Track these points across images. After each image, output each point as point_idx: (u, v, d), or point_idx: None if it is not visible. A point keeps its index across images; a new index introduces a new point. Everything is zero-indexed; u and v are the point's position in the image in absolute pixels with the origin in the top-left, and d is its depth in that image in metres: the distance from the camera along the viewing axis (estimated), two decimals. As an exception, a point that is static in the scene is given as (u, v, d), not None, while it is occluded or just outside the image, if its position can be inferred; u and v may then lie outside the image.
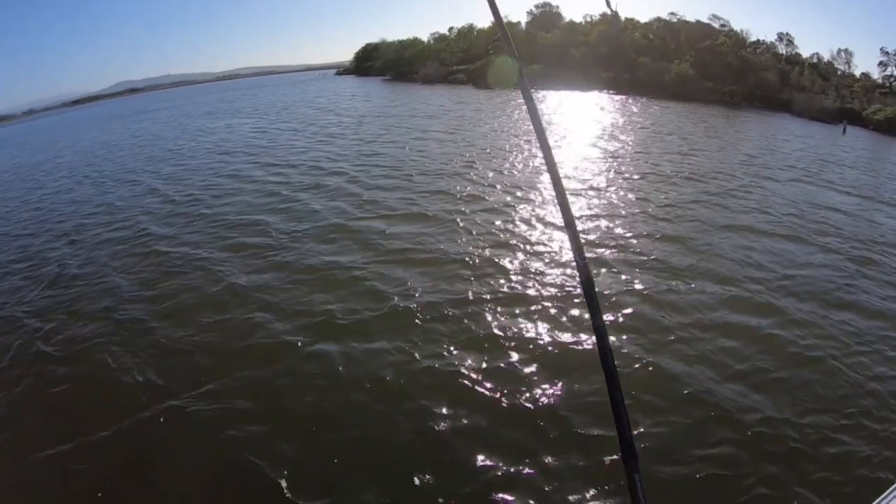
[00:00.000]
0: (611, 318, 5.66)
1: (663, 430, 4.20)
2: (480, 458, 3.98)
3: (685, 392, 4.60)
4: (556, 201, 1.61)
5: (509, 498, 3.68)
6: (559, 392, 4.65)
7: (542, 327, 5.55)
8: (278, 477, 3.87)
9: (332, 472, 3.91)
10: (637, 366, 4.92)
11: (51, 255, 9.09)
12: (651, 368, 4.90)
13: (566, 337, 5.39)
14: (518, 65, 1.61)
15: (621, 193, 10.70)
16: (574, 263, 1.54)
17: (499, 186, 11.22)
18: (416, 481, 3.76)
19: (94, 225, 10.66)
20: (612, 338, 5.26)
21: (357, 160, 14.56)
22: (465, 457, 3.98)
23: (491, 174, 12.28)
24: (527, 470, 3.90)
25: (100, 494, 3.85)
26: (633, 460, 1.25)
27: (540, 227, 8.56)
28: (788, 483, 3.77)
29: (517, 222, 8.80)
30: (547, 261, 7.14)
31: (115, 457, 4.18)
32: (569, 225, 1.40)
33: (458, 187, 11.00)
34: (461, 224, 8.66)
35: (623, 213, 9.53)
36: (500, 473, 3.87)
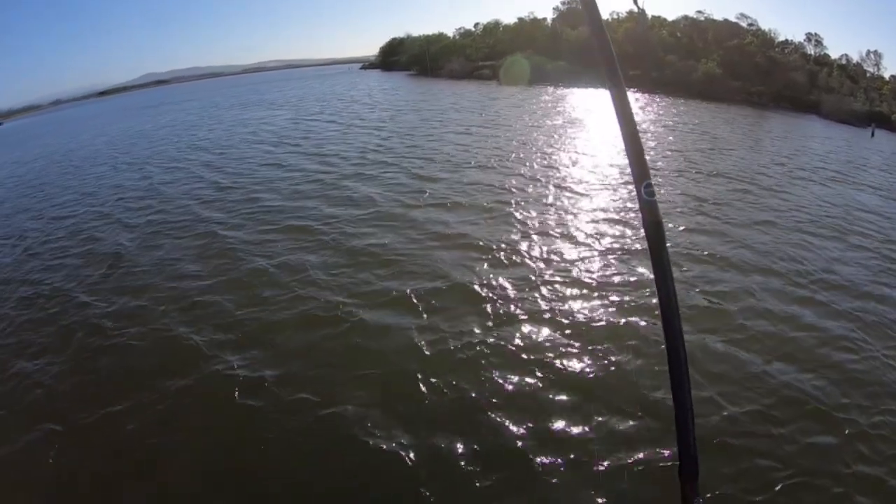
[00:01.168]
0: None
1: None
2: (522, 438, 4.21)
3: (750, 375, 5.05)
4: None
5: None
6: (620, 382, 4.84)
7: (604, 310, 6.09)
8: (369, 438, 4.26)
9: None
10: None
11: (108, 238, 9.67)
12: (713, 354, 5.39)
13: (631, 321, 5.79)
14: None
15: (662, 191, 11.34)
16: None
17: (551, 178, 12.00)
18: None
19: (146, 209, 11.46)
20: None
21: (403, 151, 15.47)
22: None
23: (538, 167, 13.03)
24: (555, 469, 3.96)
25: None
26: (693, 479, 1.14)
27: (594, 217, 9.29)
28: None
29: (570, 214, 9.54)
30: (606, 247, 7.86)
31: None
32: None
33: (509, 179, 11.74)
34: (516, 214, 9.39)
35: (665, 207, 10.22)
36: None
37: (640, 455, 3.98)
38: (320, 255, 7.85)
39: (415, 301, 6.29)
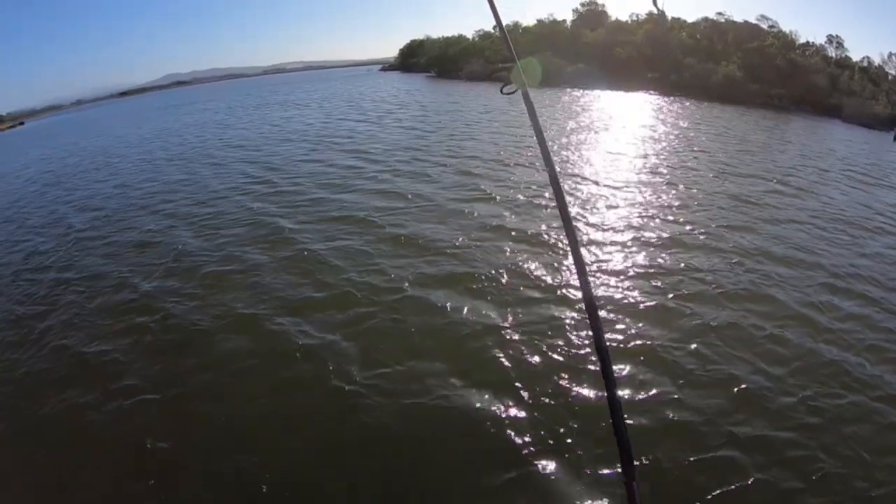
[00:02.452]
0: (702, 288, 6.95)
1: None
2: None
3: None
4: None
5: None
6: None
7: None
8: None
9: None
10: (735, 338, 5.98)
11: (169, 232, 10.20)
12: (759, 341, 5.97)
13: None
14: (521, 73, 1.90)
15: (693, 190, 11.89)
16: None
17: (588, 175, 12.71)
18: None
19: (192, 202, 12.25)
20: (719, 310, 6.56)
21: (443, 150, 16.21)
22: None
23: (575, 164, 13.69)
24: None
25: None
26: (630, 467, 1.28)
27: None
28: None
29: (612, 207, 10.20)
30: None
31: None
32: (572, 245, 1.62)
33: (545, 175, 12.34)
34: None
35: (699, 204, 10.87)
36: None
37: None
38: (388, 244, 8.64)
39: (476, 283, 7.03)
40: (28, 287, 8.40)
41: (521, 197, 10.92)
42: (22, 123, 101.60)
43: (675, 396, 4.85)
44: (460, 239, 8.65)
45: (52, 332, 6.80)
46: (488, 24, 52.86)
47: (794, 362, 5.43)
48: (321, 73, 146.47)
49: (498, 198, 10.92)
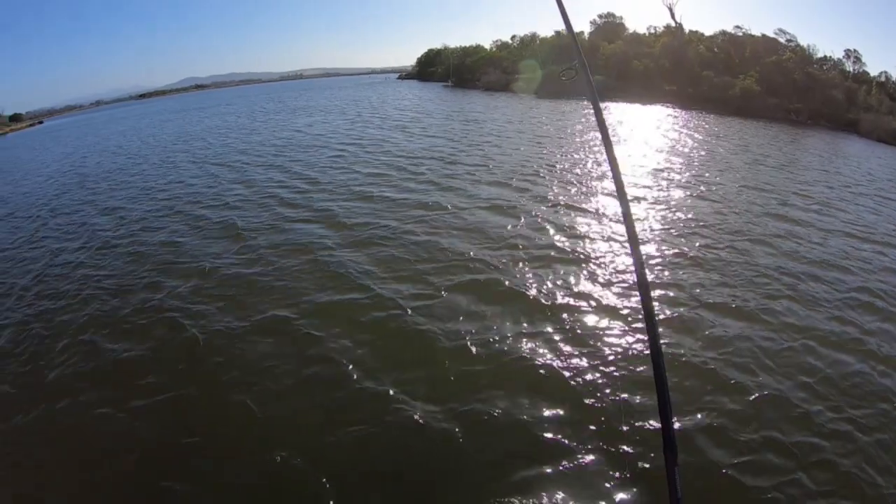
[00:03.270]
0: (723, 300, 7.41)
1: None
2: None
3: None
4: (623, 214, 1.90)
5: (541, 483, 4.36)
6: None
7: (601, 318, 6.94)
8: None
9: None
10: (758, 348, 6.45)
11: (197, 234, 10.70)
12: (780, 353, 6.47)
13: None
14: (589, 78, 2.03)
15: (718, 204, 12.40)
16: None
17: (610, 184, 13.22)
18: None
19: (218, 205, 13.00)
20: (745, 324, 7.02)
21: (475, 158, 17.11)
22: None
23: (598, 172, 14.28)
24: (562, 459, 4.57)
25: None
26: (672, 454, 1.36)
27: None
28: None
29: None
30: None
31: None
32: (631, 238, 1.69)
33: (582, 185, 12.97)
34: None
35: (724, 217, 11.43)
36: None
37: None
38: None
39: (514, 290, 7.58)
40: (56, 283, 8.86)
41: (560, 204, 11.69)
42: (41, 122, 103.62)
43: (709, 399, 5.36)
44: (500, 249, 9.23)
45: (80, 327, 7.20)
46: (506, 35, 53.55)
47: (822, 372, 5.90)
48: (339, 80, 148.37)
49: (534, 208, 11.56)
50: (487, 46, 60.89)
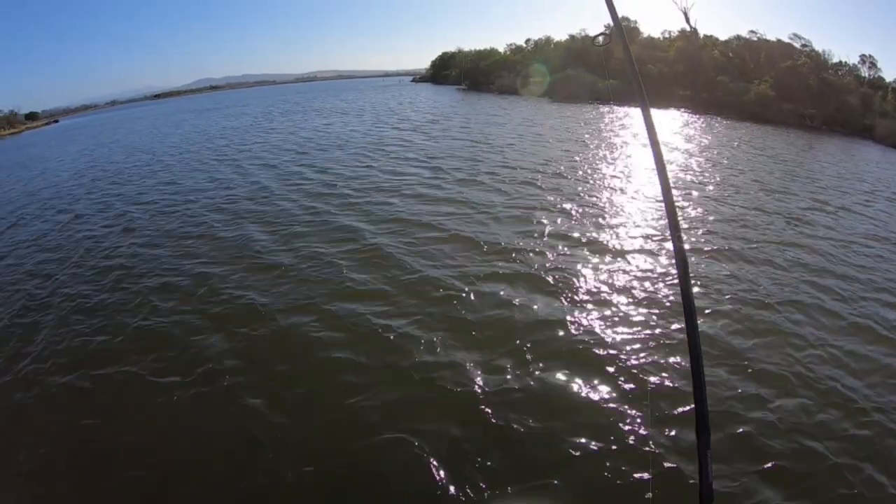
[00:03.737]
0: (757, 297, 7.78)
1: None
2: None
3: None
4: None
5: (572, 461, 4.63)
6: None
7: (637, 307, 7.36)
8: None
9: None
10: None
11: (256, 237, 10.83)
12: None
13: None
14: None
15: (739, 208, 12.73)
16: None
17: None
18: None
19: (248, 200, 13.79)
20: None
21: (498, 159, 17.77)
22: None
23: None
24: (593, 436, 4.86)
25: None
26: (706, 435, 1.41)
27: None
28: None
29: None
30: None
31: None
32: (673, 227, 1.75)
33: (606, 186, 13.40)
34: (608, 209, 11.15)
35: (746, 220, 11.80)
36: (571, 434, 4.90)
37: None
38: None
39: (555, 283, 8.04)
40: (96, 276, 9.41)
41: (587, 203, 12.17)
42: (56, 121, 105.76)
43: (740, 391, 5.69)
44: (532, 244, 9.76)
45: (131, 314, 7.71)
46: (520, 38, 53.77)
47: (849, 367, 6.24)
48: (353, 83, 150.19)
49: (561, 207, 12.02)
50: (501, 50, 61.58)
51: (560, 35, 55.30)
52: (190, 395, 5.74)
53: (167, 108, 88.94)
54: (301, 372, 6.03)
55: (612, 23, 2.16)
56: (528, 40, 59.17)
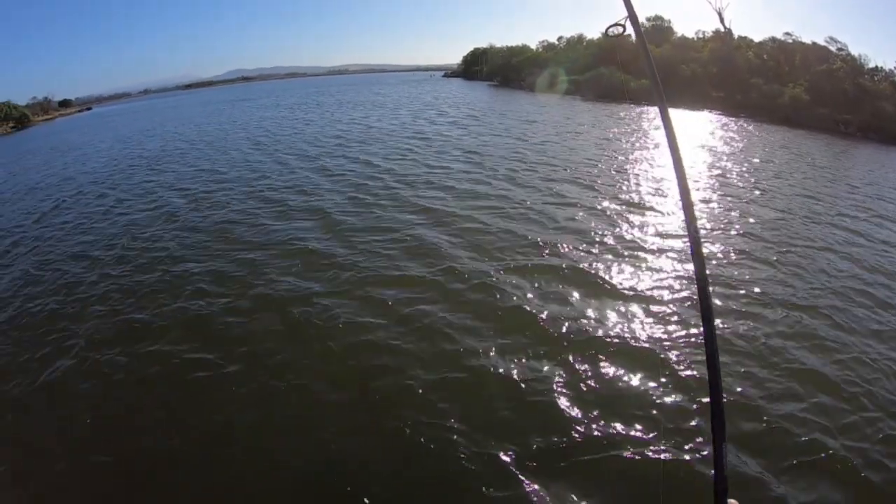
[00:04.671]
0: (788, 298, 8.04)
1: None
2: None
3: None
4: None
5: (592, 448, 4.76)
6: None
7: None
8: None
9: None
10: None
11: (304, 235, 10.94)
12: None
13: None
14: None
15: (772, 214, 13.13)
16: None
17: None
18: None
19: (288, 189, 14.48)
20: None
21: (542, 157, 18.61)
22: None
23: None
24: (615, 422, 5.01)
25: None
26: (721, 430, 1.44)
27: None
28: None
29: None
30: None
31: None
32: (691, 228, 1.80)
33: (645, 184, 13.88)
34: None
35: (779, 224, 12.21)
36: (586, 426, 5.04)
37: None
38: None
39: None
40: (145, 263, 9.86)
41: (627, 200, 13.03)
42: (89, 108, 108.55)
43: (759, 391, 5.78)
44: (571, 237, 10.35)
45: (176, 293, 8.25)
46: (552, 35, 54.15)
47: (883, 371, 6.28)
48: (384, 77, 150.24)
49: (602, 205, 12.47)
50: (533, 46, 62.02)
51: (593, 33, 55.54)
52: (233, 373, 6.16)
53: (201, 98, 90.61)
54: (343, 353, 6.42)
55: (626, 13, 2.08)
56: (560, 38, 59.66)
